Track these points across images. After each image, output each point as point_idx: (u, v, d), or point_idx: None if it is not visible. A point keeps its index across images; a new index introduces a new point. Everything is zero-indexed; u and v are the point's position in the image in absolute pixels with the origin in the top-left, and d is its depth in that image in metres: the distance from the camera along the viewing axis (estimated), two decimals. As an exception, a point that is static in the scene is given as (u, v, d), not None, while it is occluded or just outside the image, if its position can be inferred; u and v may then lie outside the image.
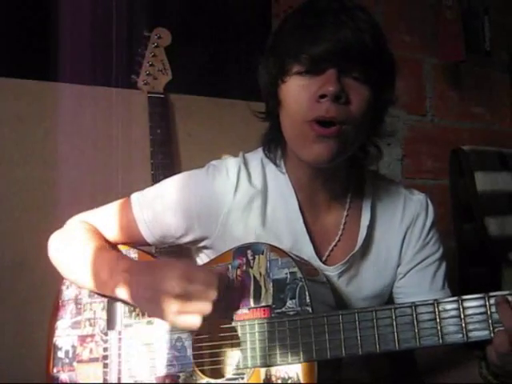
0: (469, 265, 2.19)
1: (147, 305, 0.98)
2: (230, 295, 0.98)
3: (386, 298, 1.18)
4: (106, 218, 1.16)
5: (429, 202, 1.19)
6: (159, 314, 0.94)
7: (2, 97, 1.61)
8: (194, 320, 0.92)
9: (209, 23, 1.94)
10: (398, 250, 1.16)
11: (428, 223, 1.17)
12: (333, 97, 0.95)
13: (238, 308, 0.99)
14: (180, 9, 1.88)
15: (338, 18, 0.97)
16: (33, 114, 1.65)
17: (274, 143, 1.12)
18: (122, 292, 1.00)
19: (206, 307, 0.91)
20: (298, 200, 1.11)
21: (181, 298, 0.91)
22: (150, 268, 0.99)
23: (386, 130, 1.11)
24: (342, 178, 1.13)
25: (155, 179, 1.65)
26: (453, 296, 1.12)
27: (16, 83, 1.62)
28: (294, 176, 1.11)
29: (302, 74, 0.99)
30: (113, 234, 1.15)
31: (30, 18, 1.66)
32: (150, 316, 1.04)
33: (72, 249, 1.11)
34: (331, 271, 1.11)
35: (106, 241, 1.13)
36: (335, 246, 1.13)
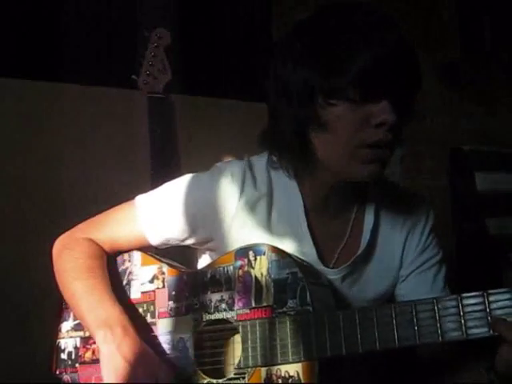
0: (469, 265, 2.19)
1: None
2: None
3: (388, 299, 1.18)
4: (110, 224, 1.15)
5: (429, 204, 1.20)
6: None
7: (2, 97, 1.61)
8: None
9: (209, 23, 1.94)
10: (400, 253, 1.16)
11: (428, 227, 1.18)
12: (391, 126, 0.96)
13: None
14: (180, 9, 1.89)
15: (390, 46, 0.94)
16: (33, 114, 1.65)
17: (294, 158, 1.08)
18: (100, 344, 1.02)
19: None
20: (304, 205, 1.10)
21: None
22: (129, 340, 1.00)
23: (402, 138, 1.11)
24: (355, 187, 1.12)
25: (155, 179, 1.64)
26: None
27: (16, 83, 1.62)
28: (306, 184, 1.10)
29: (355, 100, 0.95)
30: (116, 240, 1.14)
31: (30, 19, 1.66)
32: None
33: (68, 275, 1.10)
34: (334, 274, 1.10)
35: (106, 266, 1.12)
36: (342, 248, 1.12)
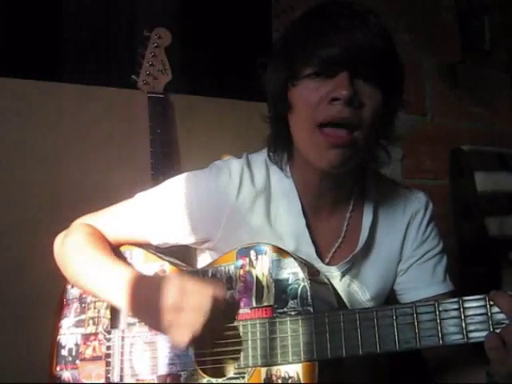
0: (469, 265, 2.19)
1: (141, 314, 0.99)
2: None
3: (387, 296, 1.19)
4: (110, 220, 1.16)
5: (428, 198, 1.20)
6: (153, 323, 0.97)
7: (1, 97, 1.61)
8: (182, 335, 0.92)
9: (209, 23, 1.93)
10: (399, 248, 1.17)
11: (426, 219, 1.18)
12: (346, 100, 0.95)
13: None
14: (180, 9, 1.88)
15: (350, 22, 0.97)
16: (33, 114, 1.64)
17: (280, 147, 1.11)
18: (119, 299, 1.01)
19: (197, 322, 0.91)
20: (301, 203, 1.11)
21: (173, 310, 0.92)
22: (148, 279, 1.02)
23: (394, 134, 1.11)
24: (348, 182, 1.13)
25: (155, 179, 1.64)
26: (454, 292, 1.13)
27: (16, 83, 1.62)
28: (300, 180, 1.11)
29: (314, 76, 0.98)
30: (116, 235, 1.15)
31: (30, 18, 1.66)
32: (147, 325, 1.04)
33: (73, 253, 1.11)
34: (333, 271, 1.11)
35: (108, 244, 1.13)
36: (338, 247, 1.13)
